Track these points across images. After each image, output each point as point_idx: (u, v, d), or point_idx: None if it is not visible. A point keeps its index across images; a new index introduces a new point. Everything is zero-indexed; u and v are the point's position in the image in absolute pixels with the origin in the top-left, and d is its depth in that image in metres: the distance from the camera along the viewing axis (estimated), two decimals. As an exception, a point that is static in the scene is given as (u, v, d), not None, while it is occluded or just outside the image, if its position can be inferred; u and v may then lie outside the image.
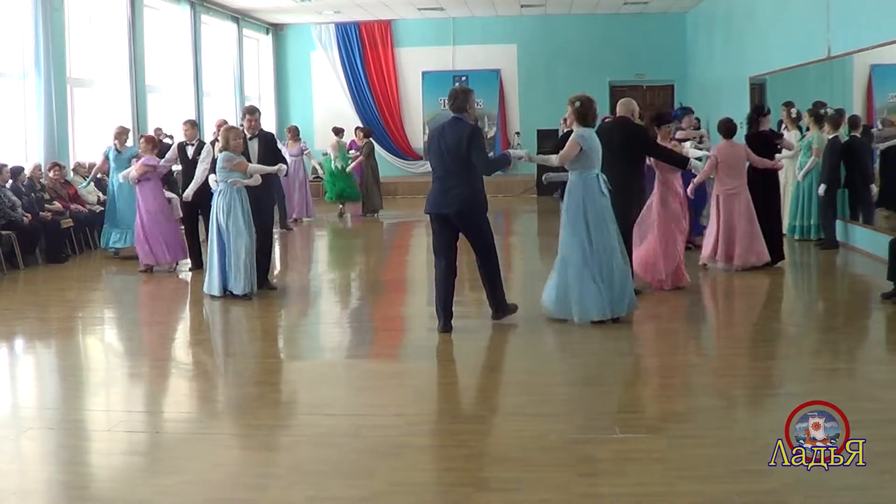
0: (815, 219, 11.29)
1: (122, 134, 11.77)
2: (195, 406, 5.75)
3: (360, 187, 16.66)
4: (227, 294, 8.61)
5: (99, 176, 13.22)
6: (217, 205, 8.61)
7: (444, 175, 7.13)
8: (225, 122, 11.70)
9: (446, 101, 7.38)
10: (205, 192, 10.24)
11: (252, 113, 9.11)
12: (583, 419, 5.08)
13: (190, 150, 10.56)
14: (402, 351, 7.25)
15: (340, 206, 16.68)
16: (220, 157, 8.59)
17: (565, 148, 7.36)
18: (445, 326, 7.14)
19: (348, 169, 16.24)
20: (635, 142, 8.25)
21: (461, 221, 7.13)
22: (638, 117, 8.62)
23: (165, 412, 5.62)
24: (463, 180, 7.05)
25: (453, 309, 7.20)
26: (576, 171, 7.36)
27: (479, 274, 7.37)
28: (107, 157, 11.93)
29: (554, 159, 7.44)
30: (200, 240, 10.56)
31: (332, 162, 16.24)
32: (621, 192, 7.75)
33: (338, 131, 16.65)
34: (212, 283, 8.65)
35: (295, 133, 16.00)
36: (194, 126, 10.97)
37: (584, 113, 7.36)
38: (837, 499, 3.93)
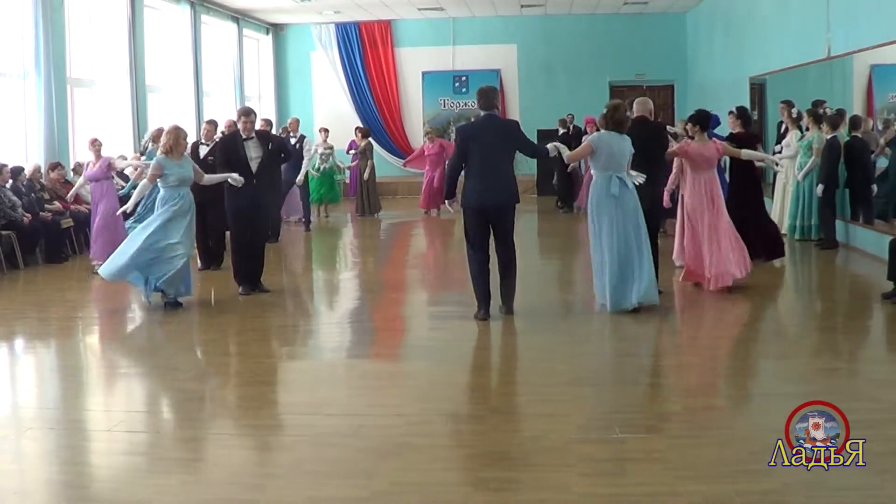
0: (815, 219, 11.28)
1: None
2: (195, 406, 5.74)
3: (356, 188, 16.67)
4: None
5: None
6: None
7: (487, 170, 7.44)
8: (234, 123, 11.65)
9: (477, 100, 7.67)
10: (211, 191, 10.23)
11: (248, 115, 9.06)
12: (583, 419, 5.08)
13: (203, 150, 10.54)
14: (402, 351, 7.25)
15: (322, 208, 16.55)
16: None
17: (578, 148, 7.94)
18: (487, 314, 7.47)
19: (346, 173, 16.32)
20: (657, 140, 8.37)
21: (501, 213, 7.52)
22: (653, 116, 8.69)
23: (165, 412, 5.62)
24: (507, 174, 7.57)
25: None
26: (595, 172, 7.80)
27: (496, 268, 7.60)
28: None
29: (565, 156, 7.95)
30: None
31: (319, 164, 16.03)
32: (649, 190, 8.03)
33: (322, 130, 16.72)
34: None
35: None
36: (214, 126, 10.96)
37: (606, 117, 7.77)
38: (837, 499, 3.93)
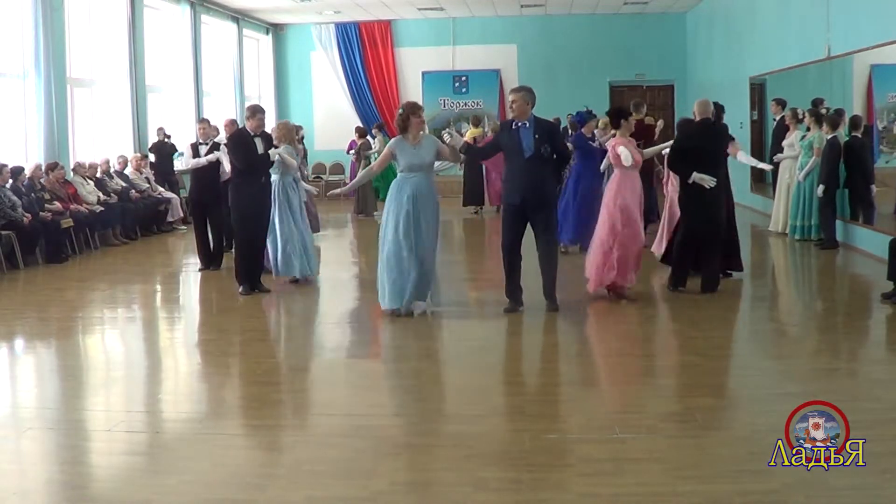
0: (816, 219, 11.28)
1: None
2: (195, 406, 5.74)
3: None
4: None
5: (99, 176, 13.23)
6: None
7: None
8: (234, 122, 11.64)
9: (531, 99, 7.71)
10: (211, 191, 10.25)
11: (263, 112, 9.14)
12: (583, 419, 5.08)
13: (203, 150, 10.53)
14: (401, 351, 7.24)
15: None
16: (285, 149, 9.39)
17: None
18: None
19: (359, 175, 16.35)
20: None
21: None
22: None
23: (165, 412, 5.61)
24: None
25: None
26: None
27: (516, 264, 7.79)
28: None
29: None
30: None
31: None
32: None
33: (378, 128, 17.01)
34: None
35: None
36: (209, 125, 10.98)
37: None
38: (837, 499, 3.93)
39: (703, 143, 8.17)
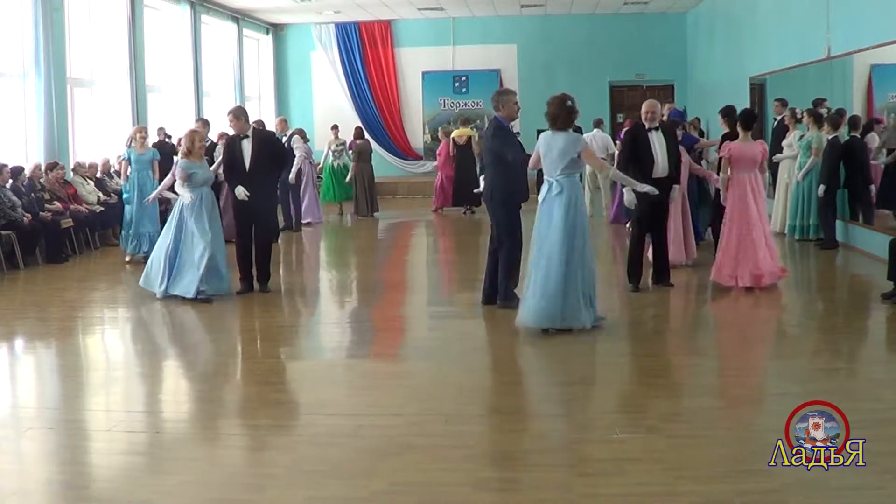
0: (815, 219, 11.28)
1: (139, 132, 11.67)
2: (195, 406, 5.75)
3: (353, 189, 16.75)
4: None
5: (99, 176, 13.24)
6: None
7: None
8: (226, 134, 11.64)
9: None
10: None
11: (230, 113, 9.06)
12: (583, 419, 5.08)
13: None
14: (402, 351, 7.25)
15: (341, 205, 16.85)
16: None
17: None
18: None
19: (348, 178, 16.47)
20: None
21: (488, 206, 7.93)
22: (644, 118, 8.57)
23: (165, 412, 5.62)
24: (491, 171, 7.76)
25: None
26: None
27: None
28: (127, 159, 11.82)
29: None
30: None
31: (333, 160, 16.71)
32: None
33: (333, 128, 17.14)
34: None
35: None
36: (206, 125, 11.02)
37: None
38: (837, 499, 3.93)
39: (636, 145, 8.36)
